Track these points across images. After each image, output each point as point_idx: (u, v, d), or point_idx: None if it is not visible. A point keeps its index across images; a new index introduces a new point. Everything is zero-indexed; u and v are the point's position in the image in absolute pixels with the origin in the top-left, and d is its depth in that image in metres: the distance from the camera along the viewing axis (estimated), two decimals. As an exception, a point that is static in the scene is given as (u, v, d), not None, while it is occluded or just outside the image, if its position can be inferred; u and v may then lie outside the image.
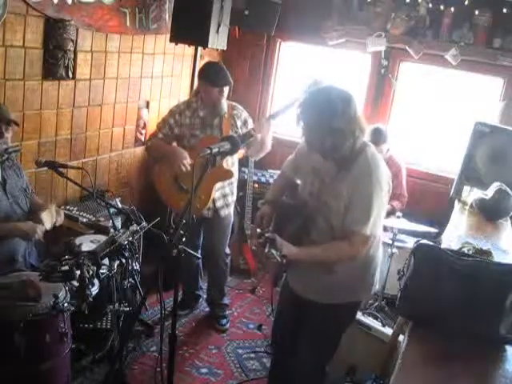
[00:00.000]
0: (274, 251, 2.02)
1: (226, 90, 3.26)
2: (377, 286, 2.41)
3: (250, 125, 3.40)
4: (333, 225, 2.12)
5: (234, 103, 3.43)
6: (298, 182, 2.31)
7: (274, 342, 2.69)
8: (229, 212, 3.50)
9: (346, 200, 2.06)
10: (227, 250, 3.66)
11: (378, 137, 4.00)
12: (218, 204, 3.40)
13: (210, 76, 3.23)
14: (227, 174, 3.33)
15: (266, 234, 2.10)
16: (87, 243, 2.85)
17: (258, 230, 2.23)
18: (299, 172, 2.33)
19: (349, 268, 2.18)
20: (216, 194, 3.34)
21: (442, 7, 3.97)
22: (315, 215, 2.16)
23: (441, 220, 3.40)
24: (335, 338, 2.37)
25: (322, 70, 4.70)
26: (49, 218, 2.62)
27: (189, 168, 3.15)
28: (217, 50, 4.15)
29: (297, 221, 2.18)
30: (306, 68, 4.80)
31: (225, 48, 3.84)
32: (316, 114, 2.01)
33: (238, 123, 3.35)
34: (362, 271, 2.26)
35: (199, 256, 3.34)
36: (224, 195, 3.42)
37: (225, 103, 3.30)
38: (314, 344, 2.31)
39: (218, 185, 3.32)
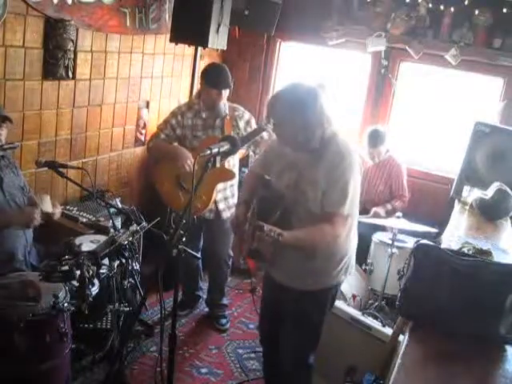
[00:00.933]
0: (267, 230, 2.00)
1: (225, 92, 3.27)
2: (353, 268, 2.46)
3: (254, 125, 3.40)
4: (312, 212, 2.19)
5: (235, 105, 3.44)
6: (268, 177, 2.34)
7: (262, 338, 2.71)
8: (231, 214, 3.49)
9: (322, 186, 2.15)
10: (230, 252, 3.66)
11: (375, 139, 4.03)
12: (220, 206, 3.40)
13: (210, 78, 3.24)
14: (229, 175, 3.34)
15: (255, 224, 2.06)
16: (87, 243, 2.85)
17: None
18: (271, 169, 2.36)
19: (328, 253, 2.25)
20: (218, 196, 3.35)
21: (442, 7, 3.97)
22: (294, 205, 2.22)
23: (441, 220, 3.40)
24: (317, 324, 2.42)
25: (321, 70, 4.70)
26: (44, 202, 2.62)
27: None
28: (217, 50, 4.15)
29: (276, 212, 2.20)
30: (306, 68, 4.80)
31: (225, 48, 3.84)
32: (287, 111, 2.10)
33: (240, 124, 3.35)
34: (339, 255, 2.32)
35: (199, 256, 3.34)
36: (225, 197, 3.42)
37: (225, 105, 3.31)
38: (296, 333, 2.37)
39: (220, 186, 3.33)
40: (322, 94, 2.14)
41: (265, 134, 3.30)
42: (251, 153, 3.57)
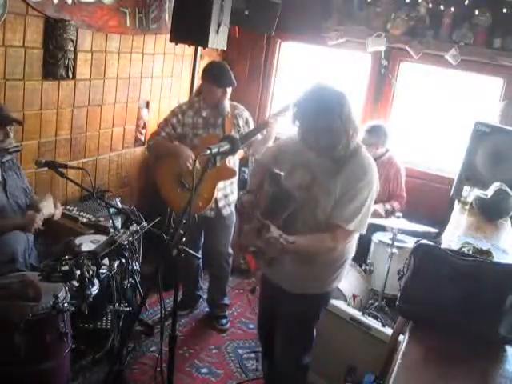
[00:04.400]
0: (272, 230, 1.98)
1: (229, 90, 3.28)
2: (345, 273, 2.49)
3: (252, 124, 3.41)
4: (318, 218, 2.16)
5: (235, 103, 3.44)
6: (278, 171, 2.31)
7: (260, 337, 2.74)
8: (231, 211, 3.50)
9: (337, 196, 2.11)
10: (230, 250, 3.66)
11: (377, 137, 4.00)
12: (221, 204, 3.41)
13: (213, 76, 3.24)
14: (230, 173, 3.34)
15: (260, 223, 2.03)
16: (87, 243, 2.85)
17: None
18: (280, 164, 2.34)
19: (326, 259, 2.24)
20: (218, 194, 3.35)
21: (442, 7, 3.97)
22: (301, 208, 2.19)
23: (441, 220, 3.40)
24: (310, 327, 2.43)
25: (321, 70, 4.70)
26: (47, 207, 2.62)
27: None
28: (217, 50, 4.15)
29: (284, 213, 2.18)
30: (306, 68, 4.80)
31: (225, 48, 3.84)
32: (312, 114, 2.04)
33: (240, 122, 3.37)
34: (338, 262, 2.32)
35: (199, 256, 3.34)
36: (225, 195, 3.43)
37: (227, 103, 3.31)
38: (289, 335, 2.38)
39: (220, 185, 3.33)
40: (349, 99, 2.07)
41: (259, 136, 3.31)
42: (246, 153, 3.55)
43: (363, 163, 2.14)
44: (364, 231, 2.22)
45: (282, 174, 2.29)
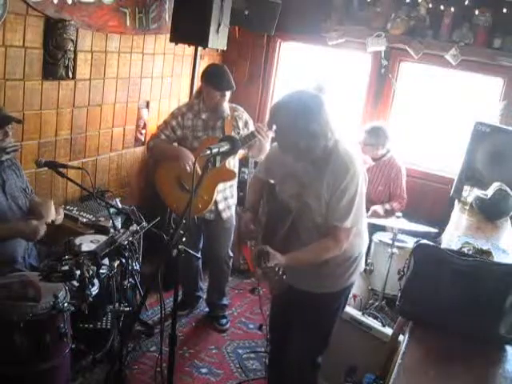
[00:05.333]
0: (272, 266, 2.01)
1: (228, 94, 3.27)
2: (363, 267, 2.49)
3: (251, 126, 3.40)
4: (317, 223, 2.19)
5: (234, 105, 3.44)
6: (273, 182, 2.34)
7: (270, 339, 2.70)
8: (231, 214, 3.50)
9: (326, 198, 2.14)
10: (230, 253, 3.66)
11: (377, 138, 4.01)
12: (220, 206, 3.40)
13: (213, 79, 3.23)
14: (230, 175, 3.34)
15: (258, 248, 2.10)
16: (87, 243, 2.85)
17: (250, 243, 2.27)
18: (272, 174, 2.37)
19: (339, 257, 2.24)
20: (218, 196, 3.35)
21: (442, 7, 3.97)
22: (299, 216, 2.21)
23: (441, 220, 3.40)
24: (329, 326, 2.43)
25: (321, 70, 4.70)
26: (49, 212, 2.62)
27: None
28: (217, 50, 4.15)
29: (284, 224, 2.21)
30: (306, 68, 4.80)
31: (225, 48, 3.84)
32: (291, 117, 2.05)
33: (240, 124, 3.36)
34: (351, 258, 2.33)
35: (199, 256, 3.33)
36: (225, 198, 3.43)
37: (226, 106, 3.31)
38: (308, 334, 2.36)
39: (220, 186, 3.32)
40: (326, 102, 2.09)
41: (258, 139, 3.30)
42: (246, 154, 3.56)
43: (343, 159, 2.14)
44: (364, 216, 2.29)
45: (275, 182, 2.32)
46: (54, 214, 2.67)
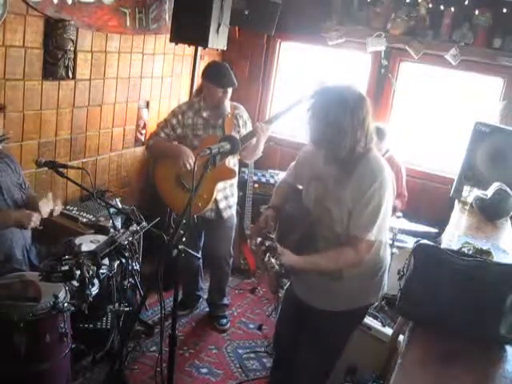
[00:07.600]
0: (273, 260, 1.98)
1: (230, 91, 3.26)
2: (385, 288, 2.30)
3: (250, 126, 3.40)
4: (337, 232, 2.09)
5: (235, 103, 3.43)
6: (300, 188, 2.31)
7: (276, 344, 2.63)
8: (231, 213, 3.50)
9: (349, 206, 2.03)
10: (231, 252, 3.65)
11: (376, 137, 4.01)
12: (221, 206, 3.39)
13: (214, 76, 3.21)
14: (230, 174, 3.33)
15: (267, 243, 2.07)
16: (87, 243, 2.85)
17: (259, 239, 2.17)
18: (300, 179, 2.32)
19: (357, 274, 2.13)
20: (218, 195, 3.34)
21: (442, 7, 3.97)
22: (318, 223, 2.12)
23: (441, 220, 3.40)
24: (342, 344, 2.32)
25: (321, 70, 4.70)
26: (45, 206, 2.59)
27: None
28: (217, 50, 4.15)
29: (300, 229, 2.15)
30: (306, 68, 4.80)
31: (225, 48, 3.84)
32: (325, 103, 2.01)
33: (240, 122, 3.36)
34: (371, 275, 2.21)
35: (199, 256, 3.33)
36: (226, 197, 3.42)
37: (228, 104, 3.30)
38: (320, 351, 2.24)
39: (220, 185, 3.32)
40: (368, 108, 2.02)
41: (254, 139, 3.29)
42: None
43: (372, 167, 2.04)
44: (387, 232, 2.15)
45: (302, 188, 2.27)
46: (52, 204, 2.64)
